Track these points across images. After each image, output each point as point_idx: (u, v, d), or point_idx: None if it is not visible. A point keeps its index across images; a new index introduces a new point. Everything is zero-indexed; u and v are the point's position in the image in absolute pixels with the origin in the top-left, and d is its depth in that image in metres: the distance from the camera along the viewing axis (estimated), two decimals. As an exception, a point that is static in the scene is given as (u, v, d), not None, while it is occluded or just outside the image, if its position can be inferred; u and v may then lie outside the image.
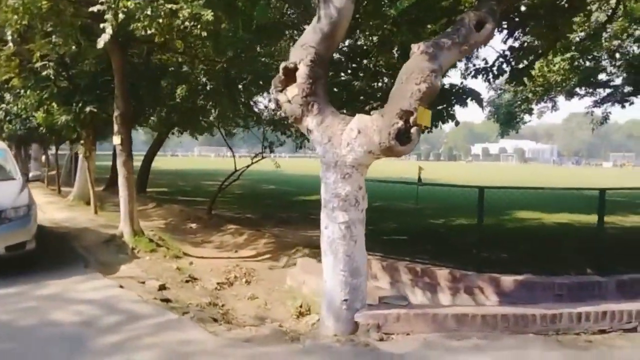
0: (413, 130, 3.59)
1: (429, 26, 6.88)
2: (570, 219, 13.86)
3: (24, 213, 6.03)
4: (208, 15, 5.15)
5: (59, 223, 10.01)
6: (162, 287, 5.89)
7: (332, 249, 4.05)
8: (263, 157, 12.36)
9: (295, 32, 8.24)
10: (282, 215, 14.30)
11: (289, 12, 8.38)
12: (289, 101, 4.07)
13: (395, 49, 7.46)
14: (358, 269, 4.03)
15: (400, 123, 3.56)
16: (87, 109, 10.08)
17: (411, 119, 3.57)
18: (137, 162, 21.08)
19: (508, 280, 5.24)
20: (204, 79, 10.58)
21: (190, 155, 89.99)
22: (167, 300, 5.39)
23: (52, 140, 17.10)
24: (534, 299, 4.76)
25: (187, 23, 6.07)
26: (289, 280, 5.94)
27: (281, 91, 4.19)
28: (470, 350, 3.64)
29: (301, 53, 4.03)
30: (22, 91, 11.00)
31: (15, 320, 4.44)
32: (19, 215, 5.95)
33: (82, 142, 12.12)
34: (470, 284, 5.37)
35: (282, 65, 4.14)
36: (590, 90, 15.08)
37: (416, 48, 3.81)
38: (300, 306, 5.38)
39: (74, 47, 7.79)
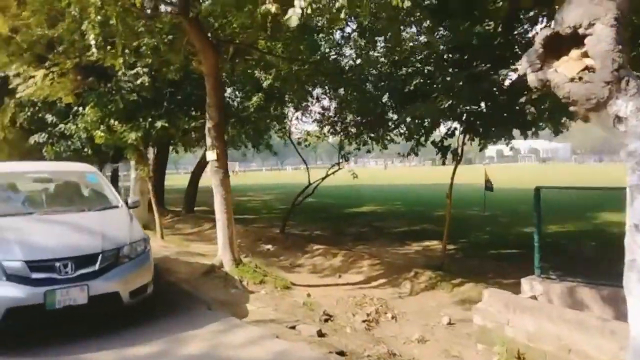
0: None
1: None
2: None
3: (141, 249, 4.93)
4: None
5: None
6: (321, 334, 4.75)
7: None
8: (340, 168, 11.23)
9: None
10: (352, 230, 13.20)
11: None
12: (576, 79, 2.92)
13: None
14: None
15: None
16: (158, 124, 9.05)
17: None
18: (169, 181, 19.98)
19: None
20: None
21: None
22: (341, 354, 4.25)
23: (95, 161, 16.09)
24: None
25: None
26: (479, 319, 4.77)
27: (540, 69, 3.05)
28: None
29: (594, 10, 2.87)
30: (81, 109, 9.98)
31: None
32: (137, 253, 4.85)
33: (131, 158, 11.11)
34: None
35: (545, 33, 2.99)
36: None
37: None
38: (518, 356, 4.23)
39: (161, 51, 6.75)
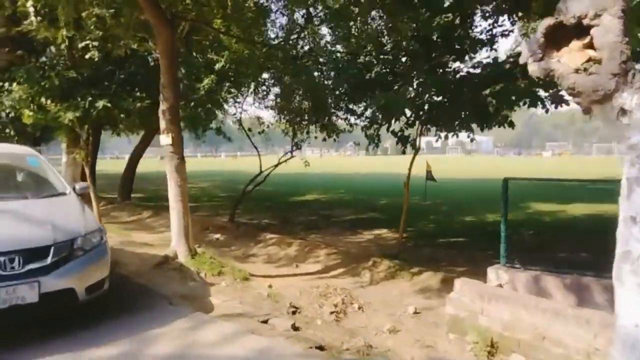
0: None
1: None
2: (592, 210, 13.68)
3: (97, 241, 4.46)
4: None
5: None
6: (295, 328, 4.58)
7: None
8: (292, 156, 11.01)
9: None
10: (301, 219, 13.06)
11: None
12: (581, 70, 2.92)
13: None
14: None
15: None
16: (99, 104, 8.32)
17: None
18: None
19: None
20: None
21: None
22: (321, 348, 4.11)
23: (17, 143, 14.61)
24: None
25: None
26: (451, 308, 4.81)
27: (541, 59, 3.05)
28: None
29: (601, 1, 2.88)
30: (7, 84, 8.93)
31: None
32: (93, 244, 4.37)
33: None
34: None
35: (547, 22, 2.98)
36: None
37: None
38: (491, 345, 4.31)
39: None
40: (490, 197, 18.02)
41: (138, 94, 9.45)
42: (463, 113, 7.06)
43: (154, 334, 4.13)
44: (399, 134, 7.87)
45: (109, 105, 8.38)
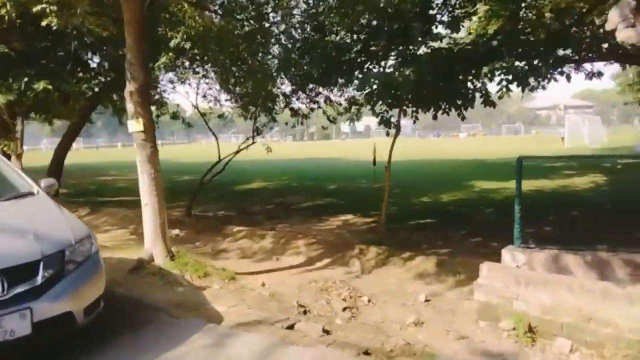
0: None
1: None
2: (530, 187, 14.36)
3: (88, 249, 3.65)
4: None
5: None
6: (326, 332, 4.11)
7: None
8: (254, 142, 10.33)
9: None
10: (257, 209, 12.43)
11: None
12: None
13: None
14: None
15: None
16: (38, 85, 7.12)
17: None
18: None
19: None
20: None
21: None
22: (366, 353, 3.70)
23: None
24: None
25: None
26: (481, 295, 4.61)
27: (633, 25, 2.86)
28: None
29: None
30: None
31: None
32: (85, 254, 3.57)
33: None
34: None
35: None
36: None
37: None
38: (530, 329, 4.16)
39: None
40: (434, 177, 18.59)
41: (81, 74, 8.29)
42: (449, 92, 6.88)
43: (177, 355, 3.47)
44: (380, 115, 7.56)
45: (49, 87, 7.19)
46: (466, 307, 5.24)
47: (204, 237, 8.93)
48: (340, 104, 10.42)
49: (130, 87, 5.78)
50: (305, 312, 4.98)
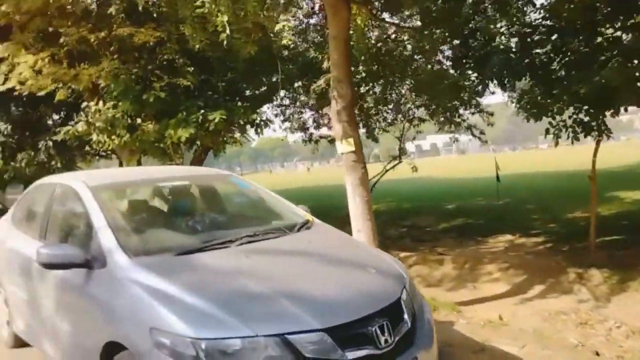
0: None
1: None
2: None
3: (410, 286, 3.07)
4: None
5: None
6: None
7: None
8: (400, 162, 9.78)
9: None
10: (393, 232, 11.75)
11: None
12: None
13: None
14: None
15: None
16: (214, 116, 6.95)
17: None
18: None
19: None
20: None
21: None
22: None
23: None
24: None
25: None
26: None
27: None
28: None
29: None
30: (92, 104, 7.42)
31: None
32: (413, 293, 2.97)
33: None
34: None
35: None
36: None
37: None
38: None
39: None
40: (558, 192, 17.00)
41: (239, 103, 8.17)
42: None
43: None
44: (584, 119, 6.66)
45: (224, 117, 7.02)
46: None
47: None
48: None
49: (337, 106, 5.37)
50: (597, 354, 4.13)
